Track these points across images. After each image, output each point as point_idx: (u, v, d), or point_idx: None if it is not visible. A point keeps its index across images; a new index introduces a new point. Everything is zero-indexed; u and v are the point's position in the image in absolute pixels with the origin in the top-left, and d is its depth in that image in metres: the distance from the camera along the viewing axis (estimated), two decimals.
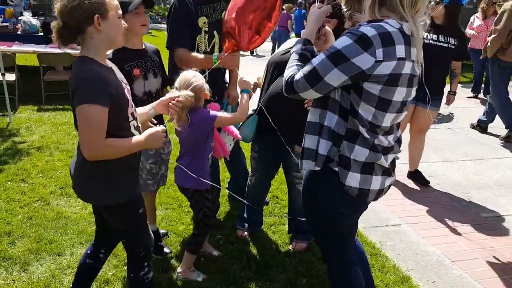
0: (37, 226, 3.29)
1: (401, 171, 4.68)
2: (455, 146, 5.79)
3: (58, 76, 7.01)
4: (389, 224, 3.70)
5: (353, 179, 1.85)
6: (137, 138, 2.01)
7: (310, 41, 1.95)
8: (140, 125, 2.14)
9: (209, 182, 2.62)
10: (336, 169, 1.86)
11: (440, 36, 4.10)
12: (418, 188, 4.47)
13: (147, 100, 2.74)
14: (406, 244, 3.41)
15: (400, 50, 1.71)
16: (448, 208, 4.04)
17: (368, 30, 1.68)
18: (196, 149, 2.63)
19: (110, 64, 2.05)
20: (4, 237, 3.14)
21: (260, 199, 3.45)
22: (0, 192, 3.83)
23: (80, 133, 1.87)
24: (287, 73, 1.85)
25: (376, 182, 1.90)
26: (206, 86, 2.56)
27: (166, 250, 3.06)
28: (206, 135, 2.61)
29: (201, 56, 2.93)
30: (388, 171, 1.95)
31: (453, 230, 3.64)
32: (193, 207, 2.76)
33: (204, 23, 3.03)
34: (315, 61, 1.76)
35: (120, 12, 1.98)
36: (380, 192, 1.95)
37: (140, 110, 2.27)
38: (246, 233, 3.36)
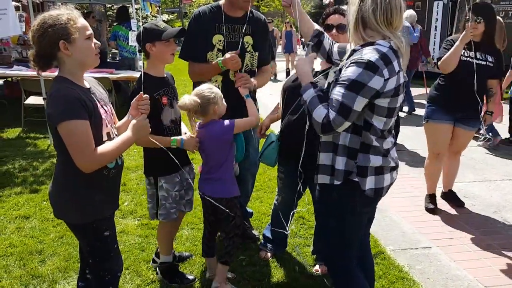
0: (67, 245, 3.41)
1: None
2: (494, 165, 5.56)
3: None
4: (418, 247, 3.57)
5: (370, 183, 2.10)
6: (124, 134, 2.08)
7: (315, 82, 2.14)
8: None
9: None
10: (356, 179, 2.08)
11: (477, 53, 3.87)
12: (452, 209, 4.30)
13: (173, 128, 2.76)
14: (436, 267, 3.28)
15: (396, 65, 1.98)
16: (483, 231, 3.87)
17: (371, 56, 1.92)
18: (222, 159, 2.71)
19: (88, 84, 2.10)
20: (35, 255, 3.27)
21: (286, 219, 3.41)
22: (36, 211, 4.00)
23: (69, 150, 1.92)
24: (317, 116, 1.97)
25: (387, 179, 2.16)
26: (220, 102, 2.66)
27: (189, 277, 3.02)
28: (228, 144, 2.72)
29: (207, 64, 3.02)
30: (394, 167, 2.20)
31: (487, 254, 3.48)
32: (226, 217, 2.77)
33: (220, 41, 3.07)
34: (338, 96, 1.94)
35: (89, 32, 2.01)
36: (390, 185, 2.22)
37: (122, 121, 2.33)
38: (269, 254, 3.34)
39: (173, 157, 2.51)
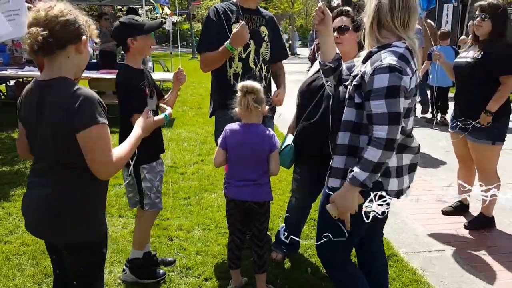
0: None
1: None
2: (505, 168, 5.48)
3: (108, 100, 7.32)
4: (432, 249, 3.55)
5: (393, 184, 2.08)
6: (134, 133, 2.12)
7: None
8: None
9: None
10: (380, 179, 2.02)
11: (470, 52, 3.66)
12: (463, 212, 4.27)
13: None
14: (450, 271, 3.25)
15: (413, 65, 1.99)
16: (495, 234, 3.84)
17: (390, 60, 1.91)
18: (265, 163, 2.69)
19: None
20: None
21: (300, 221, 3.40)
22: None
23: (91, 156, 1.77)
24: (373, 156, 1.89)
25: (406, 180, 2.16)
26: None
27: (160, 271, 3.03)
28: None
29: (216, 51, 2.97)
30: (415, 166, 2.20)
31: (501, 257, 3.44)
32: (263, 222, 2.78)
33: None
34: (379, 109, 1.89)
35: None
36: (408, 188, 2.20)
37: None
38: (281, 255, 3.32)
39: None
